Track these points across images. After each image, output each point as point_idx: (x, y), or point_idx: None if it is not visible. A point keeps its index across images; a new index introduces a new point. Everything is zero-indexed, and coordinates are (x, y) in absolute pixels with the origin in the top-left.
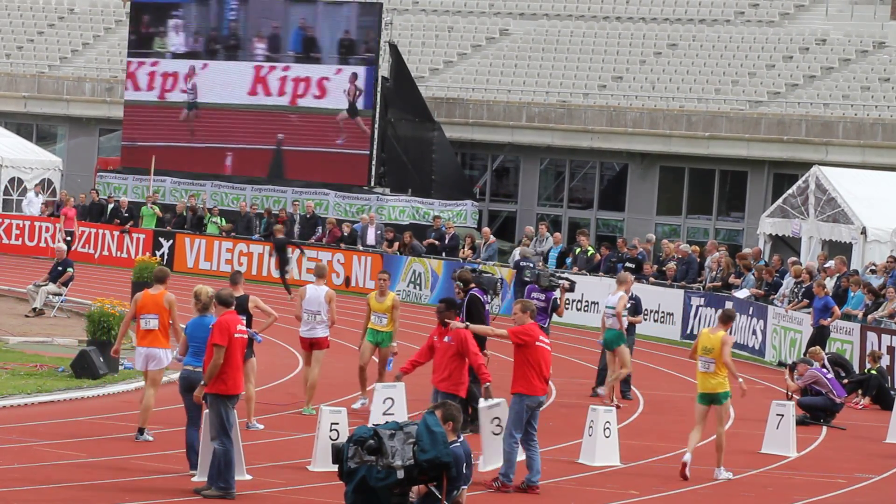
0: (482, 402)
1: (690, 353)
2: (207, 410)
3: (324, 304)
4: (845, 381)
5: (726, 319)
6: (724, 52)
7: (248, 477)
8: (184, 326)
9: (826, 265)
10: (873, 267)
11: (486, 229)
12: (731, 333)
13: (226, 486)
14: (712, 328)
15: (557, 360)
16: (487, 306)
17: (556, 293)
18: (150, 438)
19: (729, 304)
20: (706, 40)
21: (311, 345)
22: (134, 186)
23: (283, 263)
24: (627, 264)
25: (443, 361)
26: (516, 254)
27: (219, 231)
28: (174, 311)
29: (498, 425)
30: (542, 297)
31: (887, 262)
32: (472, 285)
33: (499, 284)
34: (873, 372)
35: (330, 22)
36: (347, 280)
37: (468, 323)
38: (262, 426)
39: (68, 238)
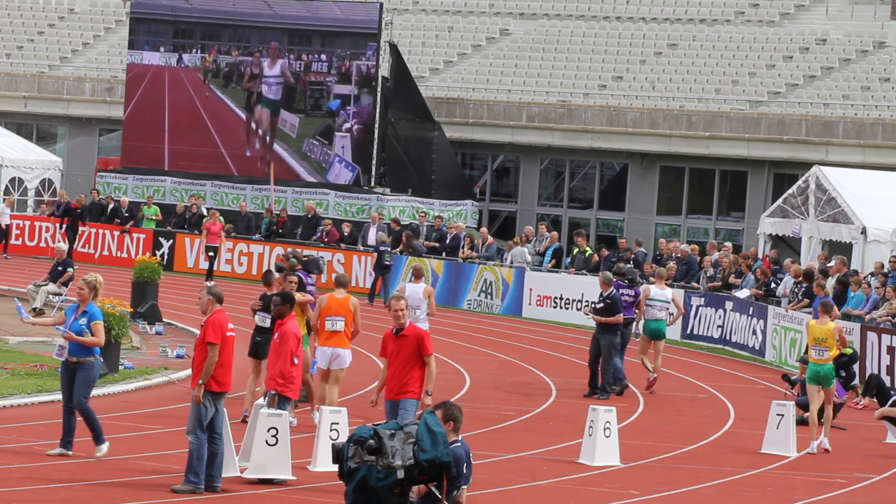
0: (263, 410)
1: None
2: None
3: (423, 299)
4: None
5: (829, 308)
6: (724, 52)
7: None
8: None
9: (829, 265)
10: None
11: (483, 230)
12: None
13: (196, 481)
14: (818, 320)
15: (557, 360)
16: (311, 287)
17: (642, 289)
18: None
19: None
20: (706, 40)
21: None
22: (134, 186)
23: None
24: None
25: (274, 360)
26: (375, 238)
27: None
28: (357, 315)
29: (274, 436)
30: (631, 292)
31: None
32: (299, 266)
33: (321, 262)
34: (847, 351)
35: (329, 20)
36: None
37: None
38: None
39: (212, 254)
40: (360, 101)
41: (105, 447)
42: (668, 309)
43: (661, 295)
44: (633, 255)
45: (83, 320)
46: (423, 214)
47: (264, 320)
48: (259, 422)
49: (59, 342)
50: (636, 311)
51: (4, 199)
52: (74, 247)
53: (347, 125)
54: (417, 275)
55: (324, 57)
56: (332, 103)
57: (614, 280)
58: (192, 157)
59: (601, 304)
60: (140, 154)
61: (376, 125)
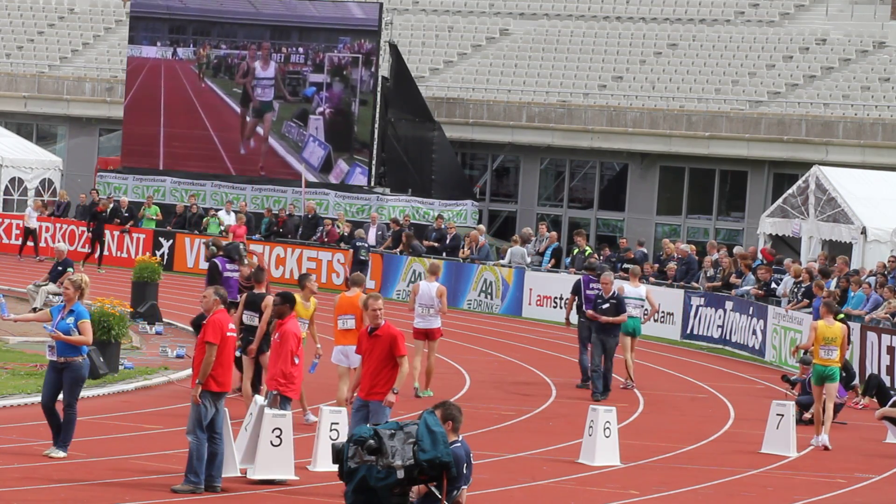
0: (267, 410)
1: (806, 347)
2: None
3: (436, 298)
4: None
5: (832, 307)
6: (724, 52)
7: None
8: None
9: (833, 266)
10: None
11: (473, 232)
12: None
13: (196, 481)
14: (826, 320)
15: (557, 360)
16: (232, 273)
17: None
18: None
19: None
20: (706, 40)
21: (426, 335)
22: (134, 186)
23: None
24: (625, 265)
25: (275, 360)
26: (357, 234)
27: (219, 230)
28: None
29: (278, 437)
30: (598, 286)
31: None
32: (220, 252)
33: (241, 248)
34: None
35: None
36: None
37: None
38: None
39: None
40: (332, 88)
41: (62, 455)
42: (642, 306)
43: (634, 292)
44: (633, 255)
45: (70, 319)
46: (440, 218)
47: (252, 319)
48: (264, 422)
49: (50, 342)
50: None
51: (32, 202)
52: (100, 252)
53: (321, 109)
54: (432, 272)
55: (301, 49)
56: (307, 90)
57: (585, 275)
58: (188, 144)
59: (607, 305)
60: (139, 142)
61: (376, 125)
